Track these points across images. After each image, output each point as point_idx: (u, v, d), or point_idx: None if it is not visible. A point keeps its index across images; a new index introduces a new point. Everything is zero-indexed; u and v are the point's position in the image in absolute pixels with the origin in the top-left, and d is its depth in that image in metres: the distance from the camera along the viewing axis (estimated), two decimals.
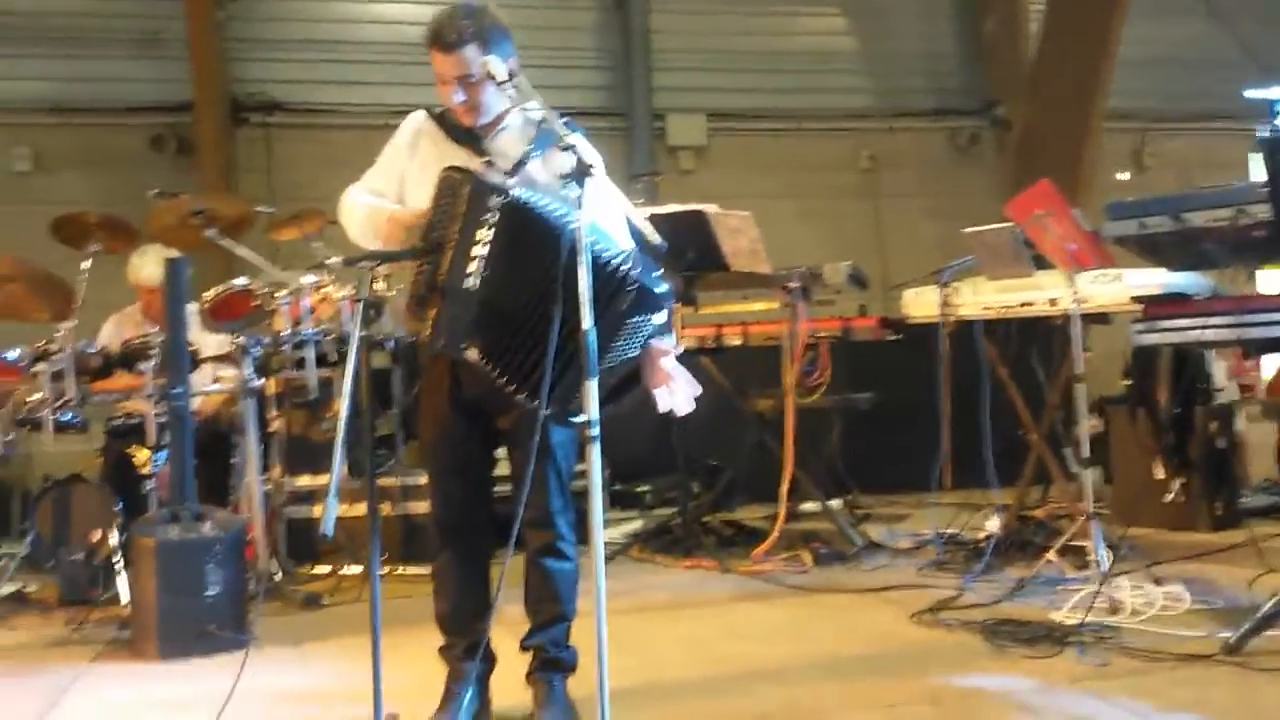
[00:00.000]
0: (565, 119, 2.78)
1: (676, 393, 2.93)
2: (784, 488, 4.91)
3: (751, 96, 8.61)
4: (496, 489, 3.12)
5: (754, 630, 3.89)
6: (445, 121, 2.95)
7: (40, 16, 7.45)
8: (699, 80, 8.53)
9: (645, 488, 6.08)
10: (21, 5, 7.40)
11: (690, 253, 4.85)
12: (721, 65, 8.55)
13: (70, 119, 7.49)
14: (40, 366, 4.36)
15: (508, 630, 3.07)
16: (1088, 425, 4.03)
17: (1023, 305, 4.38)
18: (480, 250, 2.67)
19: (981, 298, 4.53)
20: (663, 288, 2.75)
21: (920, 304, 4.82)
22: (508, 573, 2.77)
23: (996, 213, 4.30)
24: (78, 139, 7.51)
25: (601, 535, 2.44)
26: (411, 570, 4.71)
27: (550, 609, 2.99)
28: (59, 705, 3.32)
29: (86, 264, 4.67)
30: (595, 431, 2.49)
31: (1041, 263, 4.19)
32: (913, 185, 8.83)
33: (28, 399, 4.40)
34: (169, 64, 7.53)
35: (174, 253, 4.69)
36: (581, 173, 2.60)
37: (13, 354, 4.44)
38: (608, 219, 2.87)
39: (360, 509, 4.44)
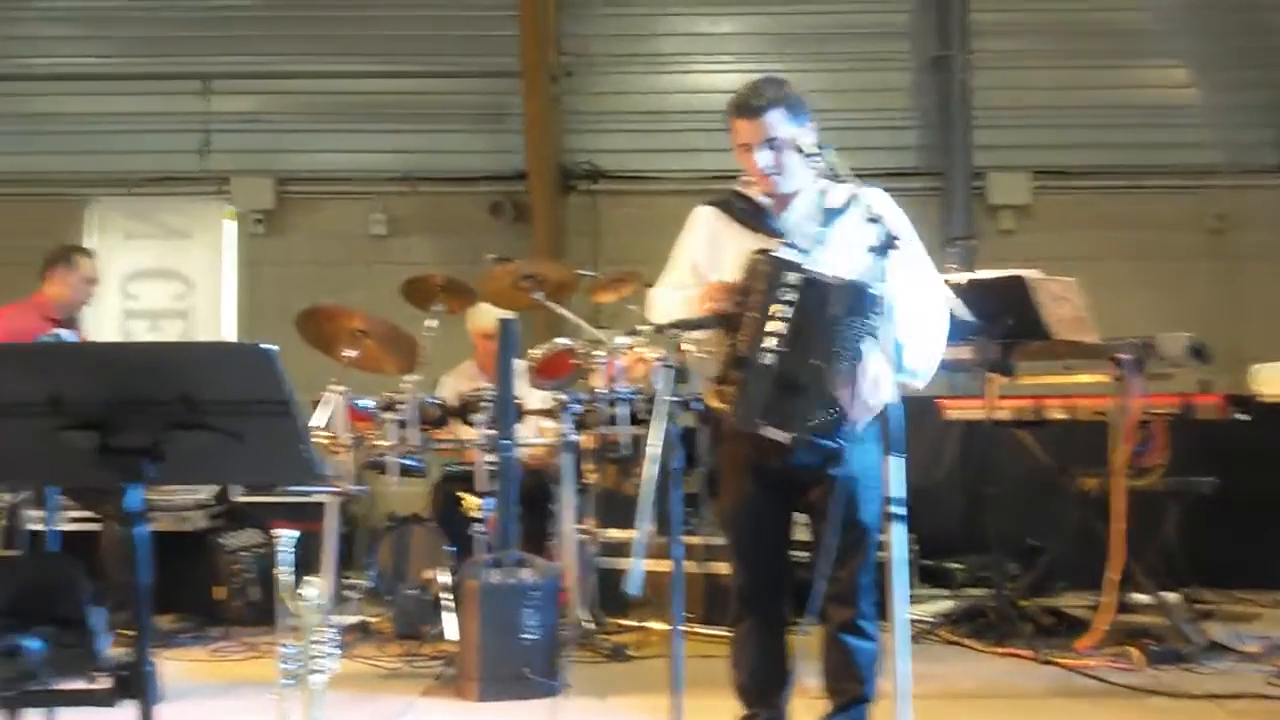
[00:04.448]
0: (871, 183, 2.77)
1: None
2: (1112, 575, 4.55)
3: (1081, 152, 8.14)
4: (795, 555, 3.10)
5: None
6: (730, 208, 3.00)
7: (395, 95, 8.24)
8: (1022, 137, 8.17)
9: (956, 565, 5.80)
10: (379, 86, 8.23)
11: (1009, 320, 4.64)
12: (1047, 121, 8.14)
13: (419, 187, 8.23)
14: (388, 415, 4.80)
15: (808, 705, 3.02)
16: None
17: None
18: (776, 326, 2.70)
19: None
20: (875, 288, 2.66)
21: (1273, 381, 4.37)
22: (806, 645, 2.74)
23: None
24: (425, 205, 8.24)
25: (906, 618, 2.36)
26: (713, 631, 4.74)
27: (851, 689, 2.93)
28: None
29: (432, 322, 5.11)
30: (901, 510, 2.44)
31: None
32: (1272, 248, 8.00)
33: (376, 444, 4.85)
34: (507, 136, 8.13)
35: (506, 313, 5.04)
36: (887, 244, 2.57)
37: (365, 402, 4.91)
38: (913, 291, 2.82)
39: (666, 565, 4.53)
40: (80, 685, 2.15)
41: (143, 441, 1.94)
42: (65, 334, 4.78)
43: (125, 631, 3.38)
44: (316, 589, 2.44)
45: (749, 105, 2.88)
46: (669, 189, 7.87)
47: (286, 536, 2.45)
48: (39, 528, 4.85)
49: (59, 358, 2.09)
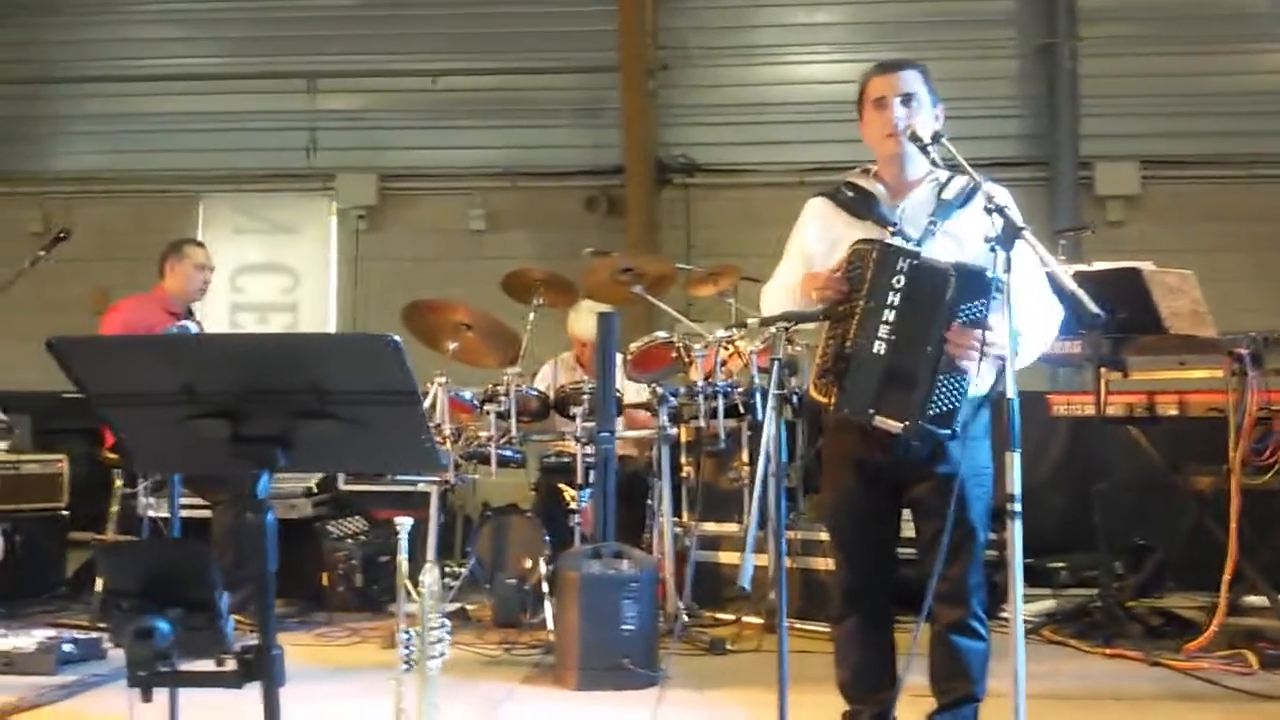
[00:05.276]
0: (989, 176, 2.73)
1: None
2: (1226, 576, 4.41)
3: (1192, 141, 7.89)
4: (900, 551, 3.07)
5: None
6: (840, 199, 2.97)
7: (494, 92, 8.40)
8: (1131, 125, 7.96)
9: (1059, 563, 5.67)
10: (479, 84, 8.39)
11: (1121, 313, 4.52)
12: (1157, 109, 7.91)
13: (516, 182, 8.34)
14: (489, 406, 4.87)
15: (912, 702, 2.99)
16: None
17: None
18: (888, 315, 2.67)
19: None
20: (990, 271, 2.60)
21: None
22: (907, 643, 2.71)
23: None
24: (523, 200, 8.34)
25: (1022, 618, 2.32)
26: (810, 626, 4.71)
27: (960, 688, 2.88)
28: None
29: (531, 315, 5.17)
30: (1018, 507, 2.39)
31: None
32: None
33: (478, 434, 4.93)
34: (603, 131, 8.19)
35: (605, 307, 5.07)
36: (1009, 236, 2.52)
37: (467, 394, 4.99)
38: (1031, 282, 2.77)
39: (764, 559, 4.52)
40: (207, 667, 2.21)
41: (274, 430, 1.99)
42: (191, 326, 4.94)
43: (234, 615, 3.50)
44: (434, 576, 2.49)
45: (890, 63, 2.94)
46: (762, 181, 7.85)
47: (405, 525, 2.50)
48: (154, 514, 5.03)
49: (192, 349, 2.17)
